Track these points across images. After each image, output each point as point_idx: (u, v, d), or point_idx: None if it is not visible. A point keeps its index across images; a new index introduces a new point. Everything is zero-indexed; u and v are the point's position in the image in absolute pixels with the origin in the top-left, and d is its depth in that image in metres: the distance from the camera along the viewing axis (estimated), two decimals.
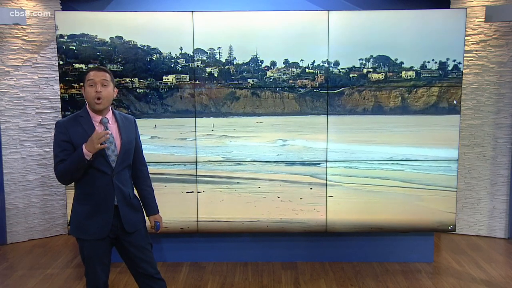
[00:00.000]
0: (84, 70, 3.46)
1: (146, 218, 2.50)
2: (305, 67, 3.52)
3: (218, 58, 3.51)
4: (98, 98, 2.19)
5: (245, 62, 3.52)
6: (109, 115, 2.31)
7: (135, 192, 2.47)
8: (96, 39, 3.45)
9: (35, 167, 4.41)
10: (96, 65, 2.26)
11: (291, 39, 3.49)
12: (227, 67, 3.52)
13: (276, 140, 3.62)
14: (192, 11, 3.48)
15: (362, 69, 3.53)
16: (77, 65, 3.46)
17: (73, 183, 2.29)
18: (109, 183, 2.25)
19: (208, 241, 3.85)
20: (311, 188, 3.64)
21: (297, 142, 3.62)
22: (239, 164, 3.62)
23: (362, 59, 3.51)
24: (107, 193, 2.25)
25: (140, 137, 2.49)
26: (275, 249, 3.88)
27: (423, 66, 3.52)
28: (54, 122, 4.36)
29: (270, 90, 3.57)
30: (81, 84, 2.71)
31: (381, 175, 3.63)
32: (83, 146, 2.13)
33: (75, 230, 2.29)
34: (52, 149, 2.50)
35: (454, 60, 3.51)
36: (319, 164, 3.62)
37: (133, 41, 3.47)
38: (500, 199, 4.45)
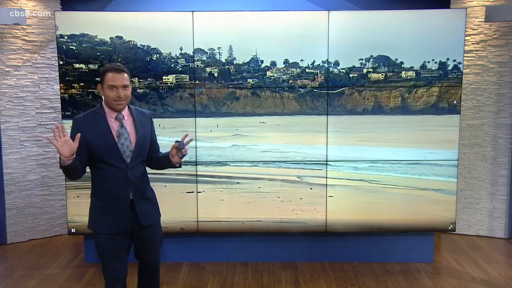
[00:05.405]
0: (85, 70, 3.47)
1: (160, 211, 2.53)
2: (305, 67, 3.52)
3: (218, 58, 3.51)
4: (119, 100, 2.24)
5: (245, 62, 3.52)
6: (125, 111, 2.33)
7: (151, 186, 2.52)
8: (96, 39, 3.45)
9: (35, 167, 4.41)
10: (115, 65, 2.24)
11: (291, 39, 3.49)
12: (227, 67, 3.52)
13: (275, 140, 3.61)
14: (192, 11, 3.48)
15: (362, 69, 3.53)
16: (77, 65, 3.46)
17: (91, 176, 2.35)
18: (123, 178, 2.29)
19: (208, 241, 3.85)
20: (311, 188, 3.64)
21: (296, 142, 3.61)
22: (239, 164, 3.62)
23: (362, 59, 3.51)
24: (122, 188, 2.29)
25: None
26: (275, 249, 3.88)
27: (423, 66, 3.52)
28: (54, 122, 4.42)
29: (270, 90, 3.57)
30: (97, 81, 2.59)
31: (381, 175, 3.63)
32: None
33: (91, 224, 2.34)
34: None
35: (454, 60, 3.51)
36: (319, 164, 3.62)
37: (133, 41, 3.47)
38: (500, 199, 4.45)
